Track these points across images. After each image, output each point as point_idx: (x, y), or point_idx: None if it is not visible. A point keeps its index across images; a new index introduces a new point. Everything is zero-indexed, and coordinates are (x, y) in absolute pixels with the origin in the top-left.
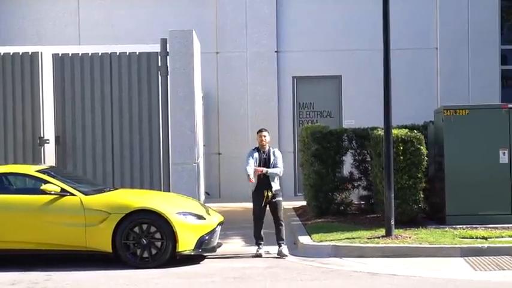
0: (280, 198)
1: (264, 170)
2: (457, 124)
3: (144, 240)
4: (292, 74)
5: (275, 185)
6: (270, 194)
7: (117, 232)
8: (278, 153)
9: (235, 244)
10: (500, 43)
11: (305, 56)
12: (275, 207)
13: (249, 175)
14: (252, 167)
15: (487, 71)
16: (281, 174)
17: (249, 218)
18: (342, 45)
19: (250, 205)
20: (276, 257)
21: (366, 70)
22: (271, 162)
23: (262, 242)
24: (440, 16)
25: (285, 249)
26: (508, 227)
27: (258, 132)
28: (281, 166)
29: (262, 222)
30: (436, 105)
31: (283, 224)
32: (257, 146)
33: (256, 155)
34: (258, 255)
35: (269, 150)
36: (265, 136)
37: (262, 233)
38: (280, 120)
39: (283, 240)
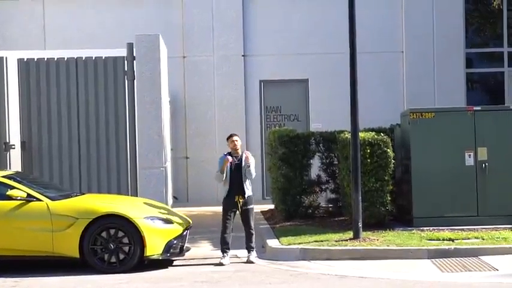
0: (252, 206)
1: (231, 159)
2: (423, 127)
3: (112, 245)
4: (260, 78)
5: (248, 191)
6: (241, 200)
7: (85, 237)
8: (251, 158)
9: (203, 248)
10: (465, 46)
11: (272, 59)
12: (246, 215)
13: (220, 170)
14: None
15: (453, 74)
16: (252, 177)
17: (218, 221)
18: (309, 48)
19: (218, 209)
20: (244, 262)
21: (333, 74)
22: (243, 167)
23: (228, 250)
24: (406, 20)
25: (252, 256)
26: (474, 229)
27: (228, 138)
28: (253, 170)
29: (230, 229)
30: (402, 108)
31: (253, 232)
32: (229, 151)
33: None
34: (220, 264)
35: (241, 154)
36: (236, 141)
37: (229, 240)
38: (248, 124)
39: (252, 248)
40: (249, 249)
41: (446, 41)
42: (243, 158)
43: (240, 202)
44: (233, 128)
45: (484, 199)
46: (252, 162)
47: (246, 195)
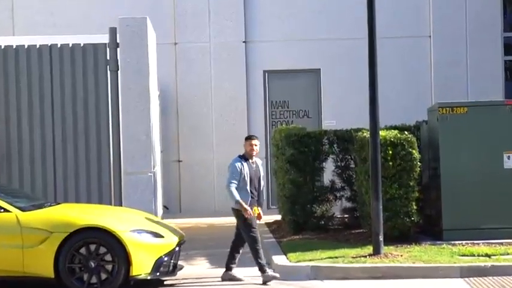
0: None
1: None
2: (454, 124)
3: (92, 263)
4: (263, 68)
5: (263, 201)
6: (257, 212)
7: (60, 254)
8: (261, 164)
9: (198, 266)
10: (502, 30)
11: (278, 46)
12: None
13: (244, 207)
14: (238, 194)
15: (488, 62)
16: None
17: (215, 235)
18: (320, 33)
19: (215, 221)
20: (246, 283)
21: (349, 62)
22: (261, 175)
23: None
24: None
25: (270, 272)
26: None
27: (247, 139)
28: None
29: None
30: (429, 102)
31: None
32: (242, 153)
33: (246, 167)
34: (274, 278)
35: (255, 160)
36: (256, 145)
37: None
38: (250, 121)
39: (269, 263)
40: (263, 267)
41: (481, 23)
42: (259, 164)
43: (258, 215)
44: (232, 126)
45: None
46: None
47: (262, 206)
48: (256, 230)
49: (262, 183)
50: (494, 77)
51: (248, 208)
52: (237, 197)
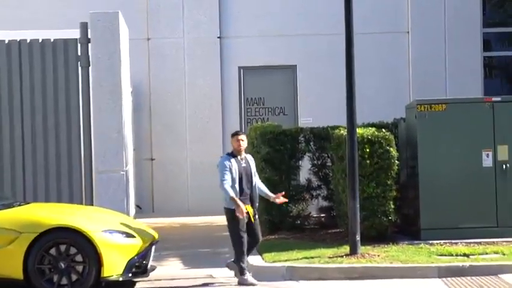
0: (257, 216)
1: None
2: (432, 121)
3: (63, 264)
4: (239, 64)
5: (257, 199)
6: (251, 209)
7: (30, 255)
8: (253, 160)
9: (171, 267)
10: (482, 25)
11: (253, 42)
12: (257, 228)
13: (237, 204)
14: (232, 191)
15: (467, 58)
16: (265, 191)
17: (188, 235)
18: (297, 29)
19: (189, 220)
20: (222, 282)
21: (326, 59)
22: (254, 172)
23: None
24: None
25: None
26: (494, 242)
27: (233, 135)
28: (257, 177)
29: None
30: (408, 99)
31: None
32: (230, 151)
33: (234, 164)
34: (252, 284)
35: (245, 157)
36: (242, 140)
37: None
38: (225, 118)
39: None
40: (244, 270)
41: (460, 19)
42: (250, 161)
43: (251, 213)
44: (207, 124)
45: (505, 207)
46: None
47: (256, 204)
48: (244, 233)
49: (255, 180)
50: (473, 73)
51: (242, 205)
52: (231, 193)
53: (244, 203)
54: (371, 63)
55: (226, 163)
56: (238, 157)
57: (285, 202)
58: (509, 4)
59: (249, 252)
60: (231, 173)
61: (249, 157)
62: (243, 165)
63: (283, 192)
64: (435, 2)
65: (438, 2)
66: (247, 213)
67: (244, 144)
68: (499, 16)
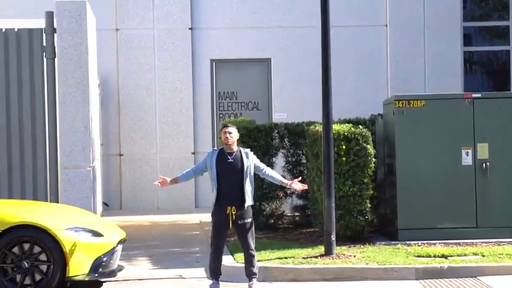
0: (250, 220)
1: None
2: (410, 118)
3: (26, 264)
4: (211, 57)
5: (248, 199)
6: (235, 212)
7: None
8: (253, 155)
9: (140, 267)
10: (462, 19)
11: (226, 34)
12: (244, 232)
13: (160, 177)
14: (180, 173)
15: (447, 53)
16: (279, 178)
17: (157, 234)
18: (271, 21)
19: (158, 218)
20: (192, 283)
21: (301, 52)
22: (246, 168)
23: (220, 276)
24: None
25: (255, 285)
26: (473, 243)
27: (221, 129)
28: (266, 167)
29: (222, 251)
30: (385, 95)
31: (254, 253)
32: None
33: (214, 159)
34: None
35: (239, 152)
36: (230, 133)
37: (220, 265)
38: (196, 113)
39: (255, 274)
40: (250, 275)
41: (440, 12)
42: (243, 156)
43: (233, 215)
44: (178, 118)
45: (485, 207)
46: (256, 160)
47: (245, 205)
48: (219, 236)
49: (249, 179)
50: (453, 68)
51: (163, 178)
52: (179, 174)
53: (227, 205)
54: (348, 57)
55: (206, 157)
56: (227, 152)
57: (305, 189)
58: None
59: (247, 264)
60: (201, 165)
61: (245, 152)
62: (229, 160)
63: (300, 178)
64: None
65: None
66: (228, 215)
67: (233, 137)
68: (480, 10)
